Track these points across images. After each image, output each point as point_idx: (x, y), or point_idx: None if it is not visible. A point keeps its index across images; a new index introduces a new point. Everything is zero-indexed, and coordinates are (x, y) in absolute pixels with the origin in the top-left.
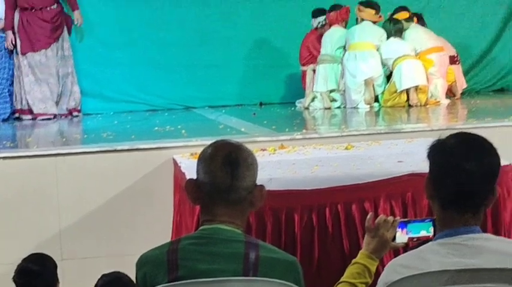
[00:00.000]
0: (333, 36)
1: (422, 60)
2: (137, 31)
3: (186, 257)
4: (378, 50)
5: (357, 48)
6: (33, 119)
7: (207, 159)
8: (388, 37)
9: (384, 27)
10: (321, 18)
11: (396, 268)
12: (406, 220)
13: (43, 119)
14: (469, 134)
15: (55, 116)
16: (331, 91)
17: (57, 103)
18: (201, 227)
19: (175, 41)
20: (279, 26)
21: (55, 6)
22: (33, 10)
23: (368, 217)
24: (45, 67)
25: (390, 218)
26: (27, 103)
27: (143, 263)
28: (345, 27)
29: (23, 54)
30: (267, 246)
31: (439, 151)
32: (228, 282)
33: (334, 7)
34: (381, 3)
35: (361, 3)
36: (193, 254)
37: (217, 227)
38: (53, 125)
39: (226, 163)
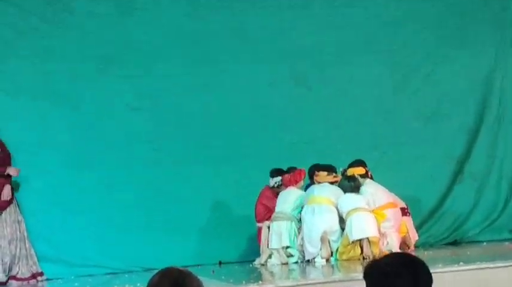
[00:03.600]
0: (289, 196)
1: (377, 214)
2: (93, 193)
3: None
4: (335, 207)
5: (315, 202)
6: None
7: (154, 286)
8: (345, 193)
9: (341, 184)
10: (278, 179)
11: None
12: None
13: None
14: (403, 253)
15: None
16: (287, 247)
17: (10, 269)
18: None
19: (132, 202)
20: (236, 185)
21: None
22: None
23: None
24: None
25: None
26: None
27: None
28: (301, 188)
29: None
30: None
31: (374, 270)
32: None
33: (290, 169)
34: (337, 158)
35: (316, 169)
36: None
37: None
38: None
39: None
